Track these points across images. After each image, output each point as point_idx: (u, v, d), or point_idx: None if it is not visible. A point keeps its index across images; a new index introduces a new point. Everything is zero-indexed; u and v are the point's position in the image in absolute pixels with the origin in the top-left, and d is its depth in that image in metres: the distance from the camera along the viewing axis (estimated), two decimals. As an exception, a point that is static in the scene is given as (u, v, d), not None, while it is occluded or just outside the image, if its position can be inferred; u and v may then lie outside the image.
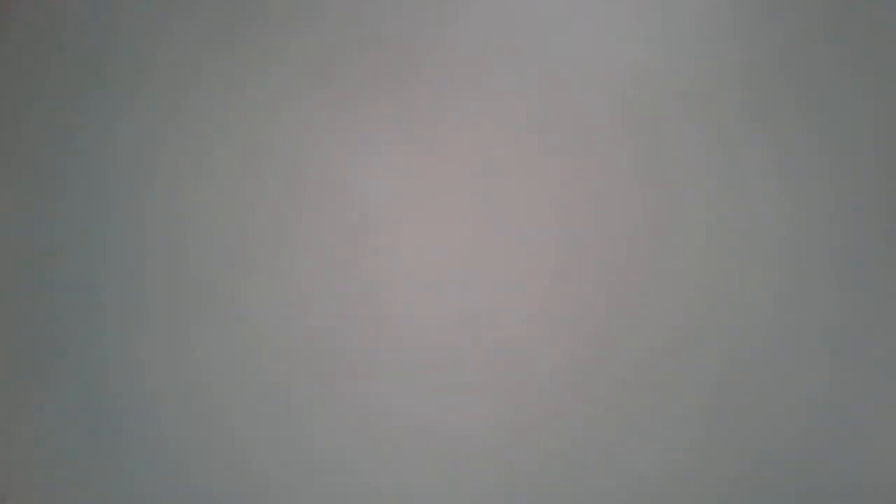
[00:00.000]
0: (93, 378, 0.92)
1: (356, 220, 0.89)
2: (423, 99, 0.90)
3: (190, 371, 0.91)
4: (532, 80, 0.89)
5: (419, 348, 0.88)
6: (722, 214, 0.87)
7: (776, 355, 0.86)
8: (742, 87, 0.87)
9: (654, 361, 0.86)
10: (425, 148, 0.89)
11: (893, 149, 0.86)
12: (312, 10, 0.91)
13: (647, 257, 0.87)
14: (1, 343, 0.93)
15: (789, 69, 0.87)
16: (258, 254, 0.91)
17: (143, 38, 0.92)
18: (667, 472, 0.87)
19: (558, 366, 0.88)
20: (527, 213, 0.88)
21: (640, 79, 0.88)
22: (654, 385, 0.86)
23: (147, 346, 0.91)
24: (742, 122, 0.87)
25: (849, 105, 0.86)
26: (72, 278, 0.92)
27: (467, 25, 0.89)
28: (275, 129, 0.90)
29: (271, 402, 0.90)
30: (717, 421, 0.86)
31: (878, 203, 0.85)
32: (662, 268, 0.87)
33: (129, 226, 0.92)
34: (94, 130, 0.93)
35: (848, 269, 0.86)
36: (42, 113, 0.93)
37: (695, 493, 0.86)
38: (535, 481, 0.88)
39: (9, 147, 0.94)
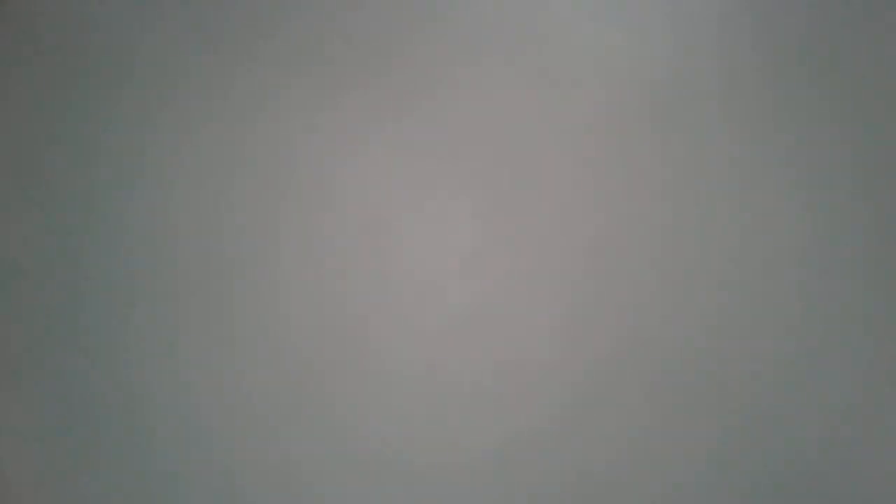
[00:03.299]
0: (95, 377, 0.91)
1: (359, 221, 0.90)
2: (425, 108, 0.90)
3: (221, 372, 0.90)
4: (532, 82, 0.89)
5: (421, 349, 0.89)
6: (720, 214, 0.87)
7: (797, 359, 0.86)
8: (725, 90, 0.88)
9: (650, 356, 0.87)
10: (427, 151, 0.90)
11: (875, 153, 0.86)
12: (318, 23, 0.92)
13: (646, 255, 0.87)
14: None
15: (771, 77, 0.87)
16: (260, 256, 0.91)
17: (160, 53, 0.92)
18: (666, 474, 0.86)
19: (564, 367, 0.88)
20: (526, 212, 0.89)
21: (638, 80, 0.89)
22: (653, 384, 0.87)
23: (170, 341, 0.91)
24: (725, 123, 0.88)
25: (828, 113, 0.87)
26: (94, 277, 0.92)
27: (467, 27, 0.90)
28: (290, 139, 0.91)
29: (264, 408, 0.90)
30: (736, 432, 0.86)
31: (861, 211, 0.86)
32: (662, 266, 0.87)
33: (158, 229, 0.92)
34: (118, 139, 0.93)
35: (820, 271, 0.86)
36: (52, 125, 0.94)
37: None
38: (539, 484, 0.88)
39: (26, 157, 0.95)
